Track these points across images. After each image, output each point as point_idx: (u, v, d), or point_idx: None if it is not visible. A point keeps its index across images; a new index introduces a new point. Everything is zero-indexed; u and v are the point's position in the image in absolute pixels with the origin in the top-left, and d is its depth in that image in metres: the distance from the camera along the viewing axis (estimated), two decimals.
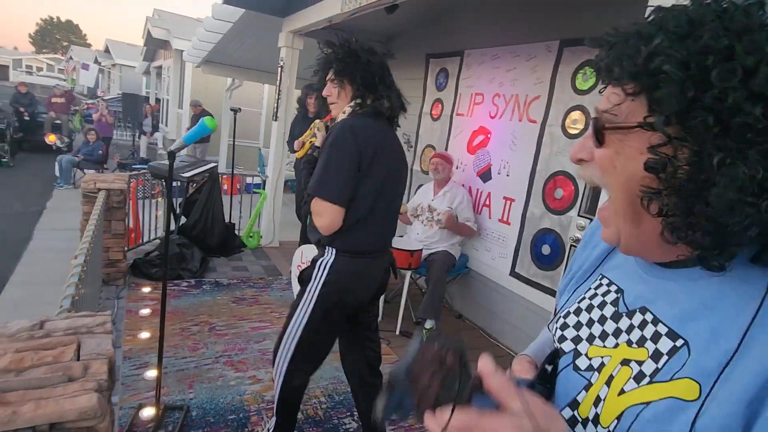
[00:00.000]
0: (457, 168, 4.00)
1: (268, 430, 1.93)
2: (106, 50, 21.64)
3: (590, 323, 0.63)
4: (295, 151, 4.43)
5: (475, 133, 3.89)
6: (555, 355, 0.66)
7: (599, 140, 0.53)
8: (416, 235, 3.74)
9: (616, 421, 0.52)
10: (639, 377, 0.52)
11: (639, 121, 0.48)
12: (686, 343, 0.50)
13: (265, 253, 4.93)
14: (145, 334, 2.89)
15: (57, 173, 7.45)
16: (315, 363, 1.82)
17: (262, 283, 4.09)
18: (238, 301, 3.63)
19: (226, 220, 4.83)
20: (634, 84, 0.48)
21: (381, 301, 3.48)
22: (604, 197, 0.75)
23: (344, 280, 1.69)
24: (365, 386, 1.98)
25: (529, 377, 0.67)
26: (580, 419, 0.57)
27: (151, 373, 2.46)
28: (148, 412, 2.17)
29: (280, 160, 4.99)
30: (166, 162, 1.96)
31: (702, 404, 0.46)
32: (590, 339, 0.61)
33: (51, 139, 9.76)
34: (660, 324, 0.53)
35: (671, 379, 0.49)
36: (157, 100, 14.43)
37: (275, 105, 4.90)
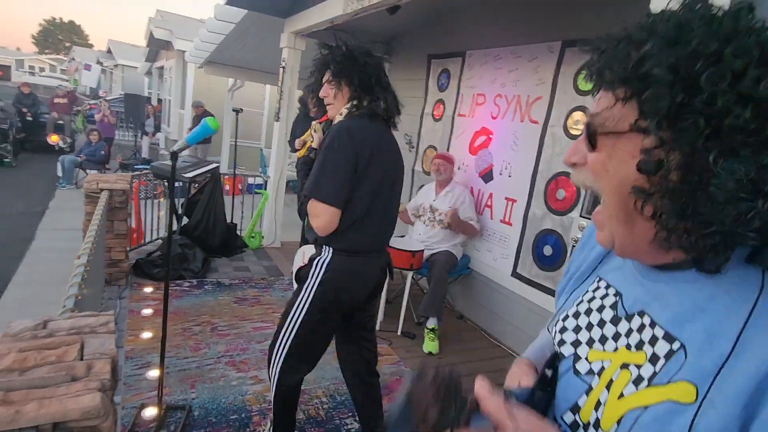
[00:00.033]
0: (458, 169, 4.00)
1: (269, 430, 1.93)
2: (109, 51, 21.70)
3: (590, 327, 0.63)
4: (296, 150, 4.44)
5: (476, 133, 3.89)
6: (555, 359, 0.66)
7: (592, 144, 0.53)
8: (418, 235, 3.74)
9: (616, 425, 0.52)
10: (638, 381, 0.52)
11: (630, 125, 0.48)
12: (683, 346, 0.50)
13: (266, 254, 4.93)
14: (147, 334, 2.90)
15: (59, 173, 7.48)
16: (310, 362, 1.82)
17: (263, 283, 4.09)
18: (240, 302, 3.64)
19: (228, 220, 4.84)
20: (625, 88, 0.48)
21: (382, 301, 3.49)
22: None
23: (341, 278, 1.70)
24: (364, 386, 1.99)
25: (529, 383, 0.67)
26: (581, 423, 0.58)
27: (153, 373, 2.46)
28: (150, 412, 2.17)
29: (281, 160, 4.99)
30: (169, 162, 1.96)
31: (699, 407, 0.46)
32: (590, 343, 0.61)
33: (53, 139, 9.79)
34: (657, 327, 0.53)
35: (669, 383, 0.49)
36: (159, 101, 14.44)
37: (277, 105, 4.91)
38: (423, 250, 3.43)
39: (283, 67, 4.72)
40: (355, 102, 1.71)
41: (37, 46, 61.50)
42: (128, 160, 9.37)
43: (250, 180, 6.83)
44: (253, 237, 5.02)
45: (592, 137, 0.53)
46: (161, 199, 5.57)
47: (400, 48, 5.20)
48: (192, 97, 10.13)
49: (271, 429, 1.89)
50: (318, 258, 1.72)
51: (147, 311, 3.22)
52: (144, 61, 15.51)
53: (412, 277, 3.54)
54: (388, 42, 5.28)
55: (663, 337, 0.52)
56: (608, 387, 0.55)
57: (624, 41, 0.49)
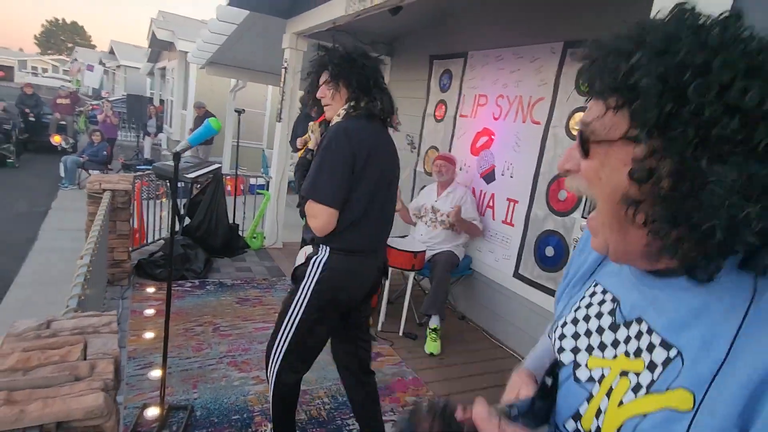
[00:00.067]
0: (460, 169, 4.00)
1: (271, 431, 1.93)
2: (111, 51, 21.76)
3: (588, 333, 0.63)
4: (298, 150, 4.45)
5: (478, 134, 3.89)
6: (555, 367, 0.66)
7: (585, 152, 0.54)
8: (420, 236, 3.74)
9: None
10: (636, 388, 0.52)
11: (622, 133, 0.49)
12: (679, 353, 0.50)
13: (268, 254, 4.94)
14: (149, 334, 2.90)
15: (62, 174, 7.50)
16: (308, 362, 1.83)
17: (265, 283, 4.10)
18: (242, 302, 3.64)
19: (230, 220, 4.84)
20: (616, 97, 0.49)
21: (384, 302, 3.49)
22: None
23: (338, 277, 1.71)
24: (360, 385, 2.00)
25: (529, 393, 0.67)
26: (583, 431, 0.58)
27: (156, 373, 2.47)
28: (152, 412, 2.18)
29: (283, 161, 5.00)
30: (171, 163, 1.97)
31: (695, 414, 0.46)
32: (589, 349, 0.61)
33: (56, 140, 9.81)
34: (654, 334, 0.54)
35: (667, 390, 0.49)
36: (162, 102, 14.48)
37: (279, 106, 4.92)
38: (425, 251, 3.43)
39: (285, 68, 4.73)
40: (352, 103, 1.72)
41: (40, 47, 61.73)
42: (130, 161, 9.39)
43: (252, 180, 6.84)
44: (254, 237, 5.03)
45: (584, 145, 0.53)
46: (163, 200, 5.58)
47: (402, 49, 5.20)
48: (194, 98, 10.14)
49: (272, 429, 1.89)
50: (315, 257, 1.73)
51: (149, 311, 3.23)
52: (146, 62, 15.55)
53: (414, 278, 3.54)
54: (390, 43, 5.28)
55: (660, 345, 0.52)
56: (608, 395, 0.55)
57: (614, 52, 0.49)
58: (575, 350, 0.63)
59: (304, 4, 4.23)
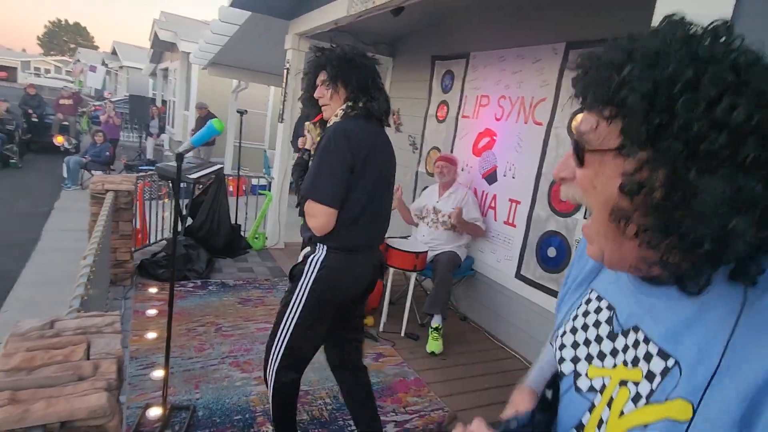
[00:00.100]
0: (462, 170, 4.00)
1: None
2: (113, 52, 21.80)
3: (587, 342, 0.63)
4: (298, 150, 4.45)
5: (480, 135, 3.89)
6: (555, 379, 0.66)
7: (580, 161, 0.54)
8: (422, 236, 3.74)
9: None
10: (636, 399, 0.53)
11: (615, 144, 0.49)
12: (677, 363, 0.50)
13: (270, 255, 4.95)
14: (151, 335, 2.91)
15: (65, 174, 7.52)
16: (306, 360, 1.84)
17: (267, 284, 4.10)
18: (244, 302, 3.65)
19: (232, 221, 4.85)
20: (610, 108, 0.49)
21: (386, 303, 3.49)
22: None
23: (335, 276, 1.72)
24: (354, 380, 2.01)
25: (529, 406, 0.68)
26: None
27: (158, 373, 2.47)
28: (155, 412, 2.18)
29: (285, 161, 5.01)
30: (174, 163, 1.97)
31: (690, 424, 0.46)
32: (588, 359, 0.62)
33: (59, 140, 9.85)
34: (651, 343, 0.54)
35: (666, 400, 0.49)
36: (164, 102, 14.52)
37: (281, 107, 4.93)
38: (426, 252, 3.43)
39: (287, 69, 4.73)
40: (350, 103, 1.74)
41: (43, 48, 61.91)
42: (133, 161, 9.41)
43: (254, 181, 6.85)
44: (256, 238, 5.04)
45: (579, 154, 0.54)
46: (165, 200, 5.59)
47: (404, 49, 5.21)
48: (196, 99, 10.17)
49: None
50: (312, 256, 1.74)
51: (152, 312, 3.23)
52: (149, 63, 15.59)
53: (416, 279, 3.54)
54: (392, 43, 5.28)
55: (657, 354, 0.52)
56: (609, 405, 0.55)
57: (606, 65, 0.49)
58: (575, 360, 0.63)
59: (306, 5, 4.23)
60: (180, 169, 2.01)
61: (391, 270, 3.42)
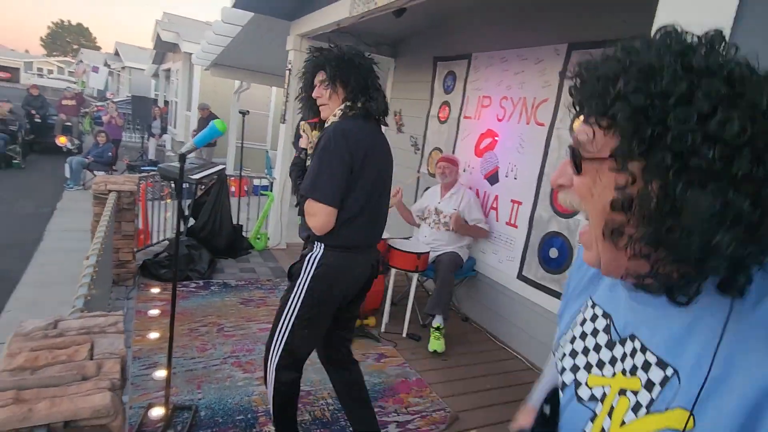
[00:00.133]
0: (464, 171, 4.00)
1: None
2: (116, 53, 21.84)
3: (586, 351, 0.63)
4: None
5: (482, 135, 3.89)
6: (554, 395, 0.66)
7: (577, 168, 0.54)
8: (424, 237, 3.74)
9: None
10: (636, 408, 0.53)
11: (609, 155, 0.49)
12: (676, 372, 0.50)
13: (272, 255, 4.95)
14: (154, 335, 2.91)
15: (67, 175, 7.54)
16: (302, 359, 1.85)
17: (269, 284, 4.11)
18: (246, 303, 3.65)
19: (234, 221, 4.86)
20: (605, 119, 0.49)
21: (388, 303, 3.49)
22: None
23: (332, 274, 1.74)
24: (347, 374, 2.02)
25: (528, 422, 0.68)
26: None
27: (161, 373, 2.48)
28: (157, 412, 2.18)
29: (287, 162, 4.98)
30: (176, 164, 1.98)
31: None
32: (588, 367, 0.62)
33: (61, 141, 9.88)
34: (648, 352, 0.54)
35: (666, 410, 0.50)
36: (166, 103, 14.54)
37: (283, 108, 4.94)
38: (428, 252, 3.43)
39: (290, 70, 4.74)
40: (349, 103, 1.75)
41: (46, 49, 62.08)
42: (135, 162, 9.44)
43: (256, 182, 6.86)
44: (258, 238, 5.04)
45: (576, 162, 0.54)
46: (168, 201, 5.60)
47: (406, 50, 5.21)
48: (198, 99, 10.20)
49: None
50: (310, 254, 1.75)
51: (154, 312, 3.24)
52: (151, 64, 15.63)
53: (418, 279, 3.54)
54: (394, 44, 5.29)
55: (656, 364, 0.52)
56: (610, 414, 0.56)
57: (602, 77, 0.50)
58: (575, 368, 0.64)
59: (308, 6, 4.24)
60: (183, 170, 2.02)
61: (393, 271, 3.42)
